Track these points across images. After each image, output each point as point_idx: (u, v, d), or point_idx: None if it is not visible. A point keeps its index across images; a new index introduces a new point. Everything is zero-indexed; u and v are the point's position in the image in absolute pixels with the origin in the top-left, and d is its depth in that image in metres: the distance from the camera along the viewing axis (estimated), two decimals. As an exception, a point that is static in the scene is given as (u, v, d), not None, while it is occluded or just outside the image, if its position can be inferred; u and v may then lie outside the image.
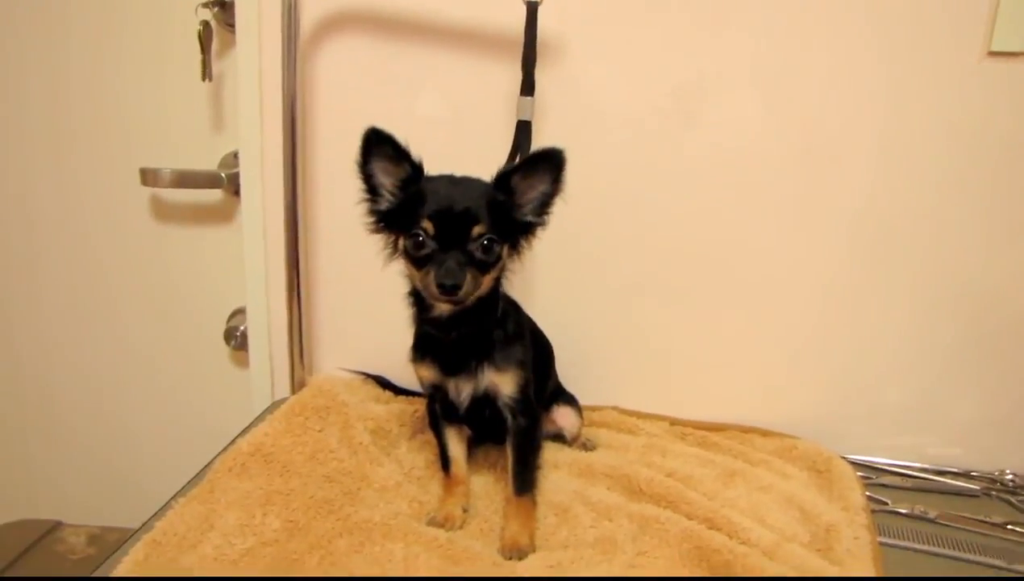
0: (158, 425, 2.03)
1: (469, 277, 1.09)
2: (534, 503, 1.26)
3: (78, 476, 2.09)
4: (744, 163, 1.54)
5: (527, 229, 1.19)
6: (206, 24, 1.68)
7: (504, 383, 1.23)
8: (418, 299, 1.22)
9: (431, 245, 1.10)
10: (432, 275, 1.09)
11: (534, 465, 1.29)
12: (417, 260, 1.12)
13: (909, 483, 1.51)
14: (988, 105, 1.44)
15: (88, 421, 2.07)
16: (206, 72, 1.71)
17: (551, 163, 1.14)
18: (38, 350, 2.06)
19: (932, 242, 1.52)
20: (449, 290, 1.08)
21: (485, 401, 1.25)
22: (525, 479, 1.25)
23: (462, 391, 1.24)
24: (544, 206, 1.18)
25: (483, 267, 1.12)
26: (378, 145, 1.13)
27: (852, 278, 1.56)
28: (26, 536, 1.79)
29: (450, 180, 1.16)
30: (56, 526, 1.85)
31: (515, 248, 1.19)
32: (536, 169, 1.15)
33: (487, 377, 1.23)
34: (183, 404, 2.01)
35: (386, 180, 1.15)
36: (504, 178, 1.16)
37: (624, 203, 1.59)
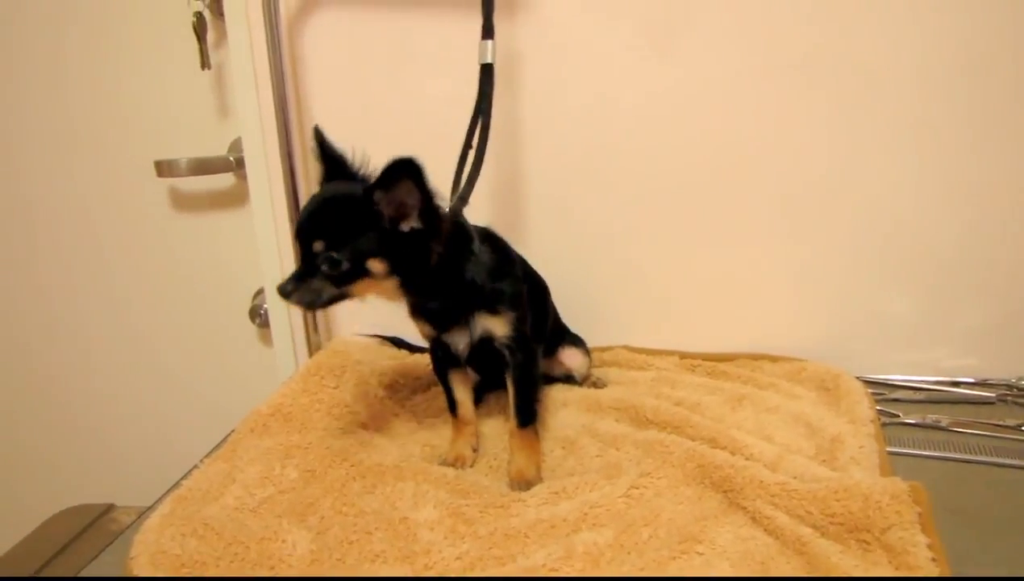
0: (197, 407, 2.10)
1: (315, 288, 1.10)
2: (537, 435, 1.29)
3: (128, 463, 2.19)
4: (729, 89, 1.53)
5: (421, 237, 1.09)
6: (199, 15, 1.75)
7: (497, 326, 1.24)
8: None
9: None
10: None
11: (534, 397, 1.32)
12: None
13: (922, 395, 1.50)
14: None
15: (132, 411, 2.18)
16: (204, 61, 1.79)
17: (406, 172, 1.02)
18: (81, 350, 2.17)
19: (928, 144, 1.48)
20: (285, 295, 1.11)
21: (483, 345, 1.26)
22: (526, 411, 1.27)
23: (459, 343, 1.27)
24: (427, 214, 1.08)
25: (336, 281, 1.10)
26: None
27: (849, 195, 1.54)
28: (83, 518, 1.88)
29: (322, 194, 1.16)
30: (109, 508, 1.95)
31: (402, 259, 1.11)
32: (393, 181, 1.04)
33: (480, 324, 1.24)
34: (219, 386, 2.08)
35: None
36: (368, 193, 1.06)
37: (618, 143, 1.60)
